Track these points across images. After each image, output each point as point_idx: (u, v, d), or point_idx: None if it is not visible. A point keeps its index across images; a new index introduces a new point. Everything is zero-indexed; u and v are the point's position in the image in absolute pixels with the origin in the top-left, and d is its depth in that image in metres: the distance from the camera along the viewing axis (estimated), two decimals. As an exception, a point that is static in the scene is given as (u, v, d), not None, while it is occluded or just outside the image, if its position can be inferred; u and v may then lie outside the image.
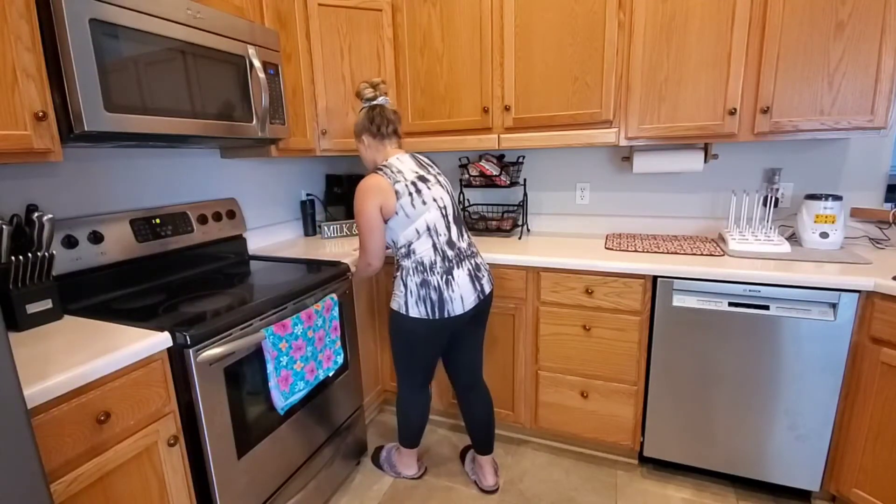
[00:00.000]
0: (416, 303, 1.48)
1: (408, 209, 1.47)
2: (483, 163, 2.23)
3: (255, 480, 1.40)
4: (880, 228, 1.85)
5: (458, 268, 1.51)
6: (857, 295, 1.44)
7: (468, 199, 2.54)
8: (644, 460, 1.92)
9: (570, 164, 2.32)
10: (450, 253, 1.51)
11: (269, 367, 1.34)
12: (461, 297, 1.50)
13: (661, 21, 1.73)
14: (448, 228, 1.53)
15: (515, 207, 2.37)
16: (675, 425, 1.75)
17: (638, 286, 1.70)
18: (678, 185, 2.15)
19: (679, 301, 1.65)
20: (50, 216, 1.23)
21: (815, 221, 1.77)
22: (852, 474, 1.52)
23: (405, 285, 1.51)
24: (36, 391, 0.88)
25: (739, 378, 1.62)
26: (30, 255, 1.20)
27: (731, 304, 1.59)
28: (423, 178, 1.52)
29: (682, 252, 1.79)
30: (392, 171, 1.49)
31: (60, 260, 1.35)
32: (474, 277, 1.54)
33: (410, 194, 1.47)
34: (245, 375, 1.34)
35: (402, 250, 1.51)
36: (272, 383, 1.36)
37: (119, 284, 1.52)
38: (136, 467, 1.10)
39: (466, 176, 2.27)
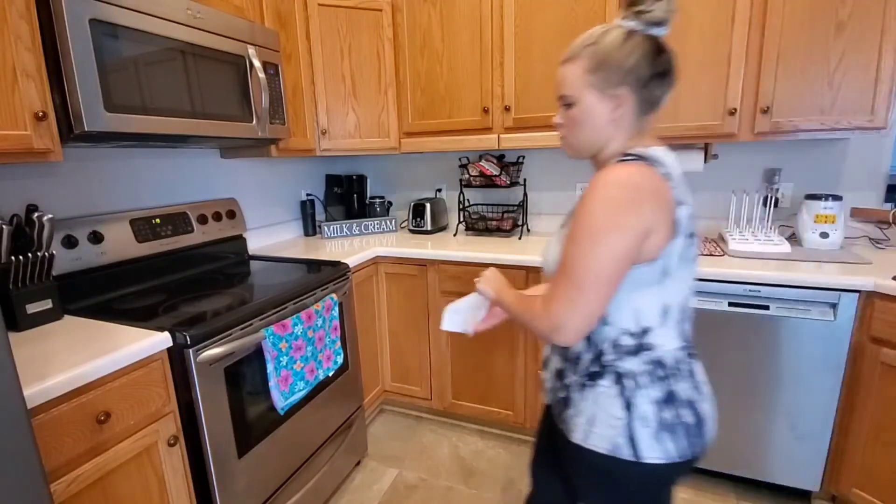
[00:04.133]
0: (657, 435, 0.81)
1: (672, 261, 0.80)
2: (483, 163, 2.23)
3: (255, 480, 1.40)
4: (880, 228, 1.85)
5: (695, 359, 0.89)
6: (856, 295, 1.44)
7: (468, 199, 2.54)
8: (644, 460, 1.92)
9: (570, 164, 2.32)
10: (686, 339, 0.88)
11: (269, 367, 1.35)
12: (712, 409, 0.89)
13: (661, 21, 1.73)
14: (690, 311, 0.91)
15: (515, 207, 2.37)
16: (675, 425, 1.75)
17: (638, 286, 1.70)
18: (678, 185, 2.14)
19: (679, 301, 1.65)
20: (50, 216, 1.23)
21: (815, 221, 1.77)
22: (852, 474, 1.52)
23: (629, 406, 0.82)
24: (36, 391, 0.88)
25: (739, 378, 1.62)
26: (30, 255, 1.20)
27: (731, 304, 1.59)
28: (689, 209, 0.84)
29: (682, 252, 1.78)
30: (674, 178, 0.81)
31: (60, 260, 1.35)
32: (702, 373, 0.91)
33: (690, 236, 0.82)
34: (245, 375, 1.34)
35: (625, 339, 0.84)
36: (272, 383, 1.36)
37: (119, 284, 1.52)
38: (136, 467, 1.10)
39: (466, 176, 2.27)
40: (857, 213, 1.88)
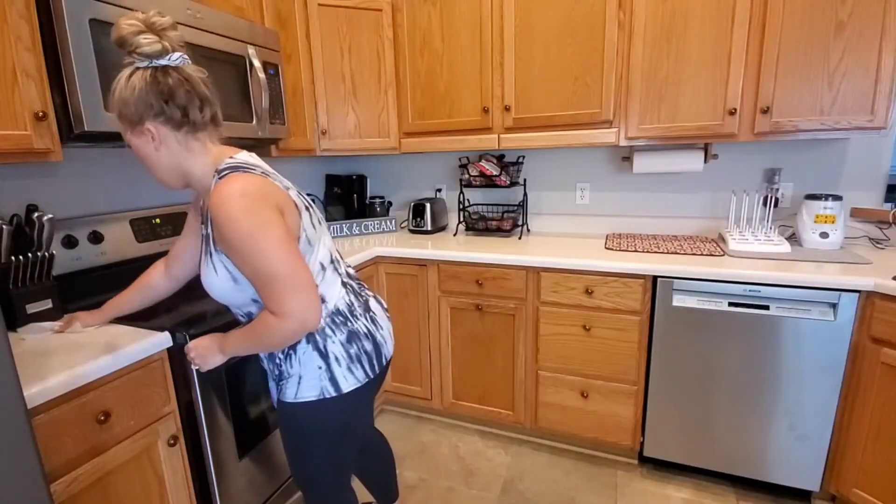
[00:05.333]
0: (350, 369, 1.02)
1: (309, 231, 0.98)
2: (483, 163, 2.23)
3: (255, 480, 1.40)
4: (880, 228, 1.85)
5: (369, 298, 1.14)
6: (856, 295, 1.44)
7: (468, 199, 2.54)
8: (644, 460, 1.92)
9: (570, 164, 2.32)
10: (354, 284, 1.13)
11: (269, 367, 1.34)
12: (388, 331, 1.14)
13: (661, 21, 1.73)
14: (339, 254, 1.14)
15: (515, 207, 2.37)
16: (675, 425, 1.75)
17: (638, 286, 1.70)
18: (678, 185, 2.15)
19: (679, 301, 1.65)
20: (50, 216, 1.22)
21: (815, 221, 1.77)
22: (852, 474, 1.52)
23: (324, 355, 1.00)
24: (36, 391, 0.88)
25: (739, 378, 1.62)
26: (30, 255, 1.20)
27: (731, 304, 1.59)
28: (298, 190, 1.05)
29: (682, 252, 1.79)
30: (271, 173, 0.96)
31: (60, 260, 1.35)
32: (379, 301, 1.18)
33: (308, 208, 1.01)
34: (245, 375, 1.34)
35: None
36: (271, 383, 1.36)
37: (119, 284, 1.51)
38: (136, 467, 1.10)
39: (466, 176, 2.27)
40: (857, 213, 1.88)
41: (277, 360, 1.04)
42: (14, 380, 0.76)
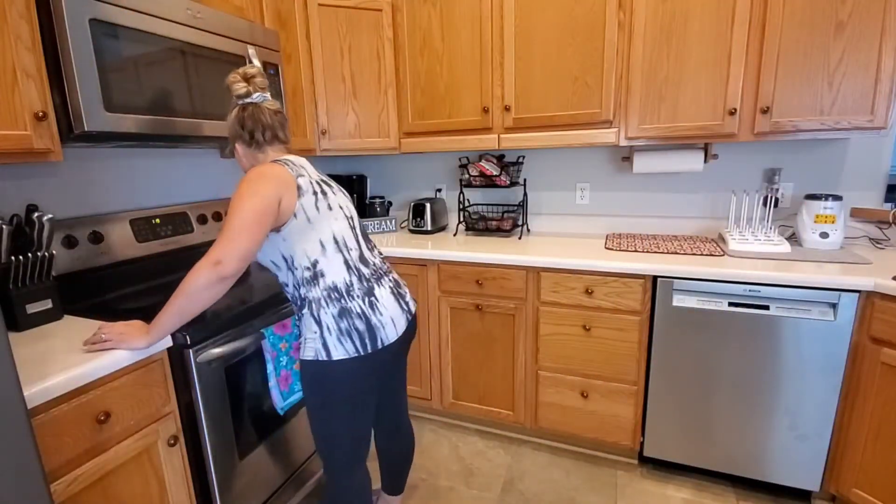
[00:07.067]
0: (340, 340, 1.15)
1: (310, 211, 1.16)
2: (483, 163, 2.23)
3: (256, 480, 1.40)
4: (880, 228, 1.85)
5: (378, 286, 1.23)
6: (856, 295, 1.44)
7: (468, 199, 2.54)
8: (644, 460, 1.92)
9: (570, 164, 2.32)
10: (365, 271, 1.23)
11: (269, 367, 1.34)
12: (392, 319, 1.22)
13: (661, 21, 1.73)
14: (358, 242, 1.26)
15: (515, 207, 2.37)
16: (675, 425, 1.75)
17: (638, 286, 1.70)
18: (678, 185, 2.15)
19: (679, 301, 1.65)
20: (50, 216, 1.23)
21: (815, 221, 1.77)
22: (852, 474, 1.52)
23: (318, 322, 1.15)
24: (36, 391, 0.88)
25: (739, 378, 1.62)
26: (30, 255, 1.20)
27: (731, 304, 1.59)
28: (326, 182, 1.27)
29: (682, 252, 1.79)
30: (293, 164, 1.19)
31: (60, 260, 1.35)
32: (398, 295, 1.27)
33: (315, 194, 1.18)
34: (245, 375, 1.34)
35: (306, 273, 1.16)
36: (272, 383, 1.36)
37: (119, 284, 1.52)
38: (136, 467, 1.10)
39: (466, 176, 2.27)
40: (857, 213, 1.88)
41: (296, 319, 1.31)
42: (14, 380, 0.77)
